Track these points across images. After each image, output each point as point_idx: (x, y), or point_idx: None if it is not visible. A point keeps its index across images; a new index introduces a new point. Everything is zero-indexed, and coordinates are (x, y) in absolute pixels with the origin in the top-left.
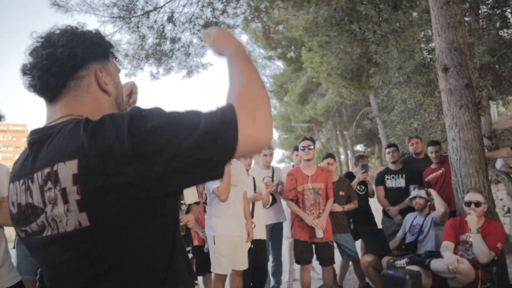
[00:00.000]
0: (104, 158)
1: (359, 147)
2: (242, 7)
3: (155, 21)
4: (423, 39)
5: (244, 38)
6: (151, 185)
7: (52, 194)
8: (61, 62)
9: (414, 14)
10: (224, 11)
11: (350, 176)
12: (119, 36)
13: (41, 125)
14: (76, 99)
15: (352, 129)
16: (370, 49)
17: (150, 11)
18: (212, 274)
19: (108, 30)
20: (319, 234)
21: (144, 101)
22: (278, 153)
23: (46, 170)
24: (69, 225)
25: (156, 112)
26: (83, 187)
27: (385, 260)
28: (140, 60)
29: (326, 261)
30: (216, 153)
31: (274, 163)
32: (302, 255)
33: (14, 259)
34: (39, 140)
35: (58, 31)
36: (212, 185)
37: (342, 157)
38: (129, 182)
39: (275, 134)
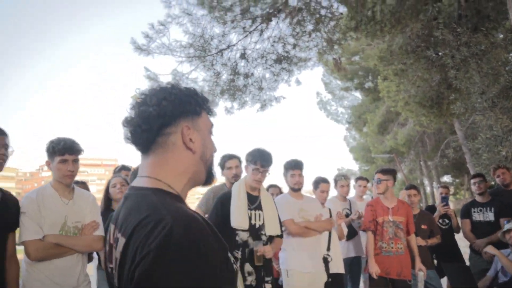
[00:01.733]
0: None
1: (446, 178)
2: (315, 40)
3: (229, 59)
4: (510, 61)
5: (319, 70)
6: None
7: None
8: (150, 120)
9: (498, 35)
10: (295, 45)
11: (431, 209)
12: (196, 74)
13: (134, 164)
14: (162, 156)
15: (437, 159)
16: (449, 74)
17: (224, 49)
18: None
19: (185, 69)
20: None
21: (219, 136)
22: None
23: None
24: None
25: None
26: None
27: None
28: (215, 95)
29: None
30: None
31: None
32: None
33: (94, 282)
34: (127, 197)
35: (155, 89)
36: (281, 216)
37: (428, 189)
38: None
39: (356, 166)
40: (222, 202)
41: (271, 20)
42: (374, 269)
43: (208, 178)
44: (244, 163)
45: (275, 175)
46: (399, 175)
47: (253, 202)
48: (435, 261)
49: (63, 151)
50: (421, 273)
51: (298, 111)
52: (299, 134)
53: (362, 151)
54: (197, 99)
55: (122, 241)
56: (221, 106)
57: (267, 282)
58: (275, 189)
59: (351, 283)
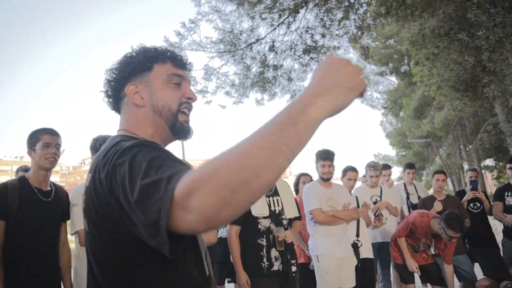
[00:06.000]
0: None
1: (488, 162)
2: (345, 28)
3: (258, 52)
4: None
5: (352, 55)
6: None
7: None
8: (108, 89)
9: None
10: (324, 35)
11: (461, 194)
12: (227, 68)
13: None
14: (124, 116)
15: (476, 143)
16: (483, 57)
17: (253, 43)
18: None
19: (216, 63)
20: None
21: (250, 127)
22: (395, 171)
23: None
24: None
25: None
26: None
27: (503, 284)
28: (245, 88)
29: (436, 280)
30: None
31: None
32: (406, 274)
33: None
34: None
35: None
36: (309, 205)
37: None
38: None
39: (393, 151)
40: None
41: (298, 12)
42: (413, 265)
43: (176, 131)
44: None
45: (306, 163)
46: (437, 160)
47: (270, 189)
48: (467, 246)
49: None
50: None
51: None
52: (333, 121)
53: (398, 136)
54: (145, 55)
55: (89, 176)
56: (251, 98)
57: (292, 264)
58: (306, 177)
59: (382, 268)
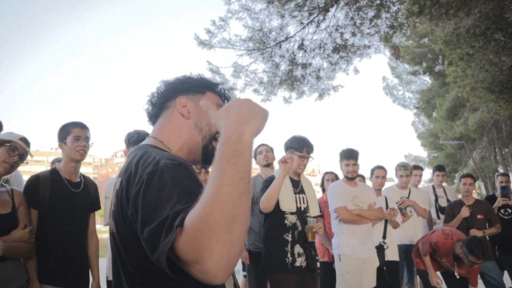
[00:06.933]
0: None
1: None
2: (376, 27)
3: (287, 50)
4: None
5: (382, 57)
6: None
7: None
8: (157, 97)
9: None
10: (354, 33)
11: (492, 199)
12: (255, 66)
13: None
14: (162, 123)
15: None
16: None
17: (282, 41)
18: None
19: (245, 61)
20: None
21: (277, 125)
22: (426, 173)
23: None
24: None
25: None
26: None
27: None
28: (274, 86)
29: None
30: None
31: (423, 184)
32: (428, 281)
33: None
34: (130, 153)
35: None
36: (333, 203)
37: None
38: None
39: (424, 153)
40: (268, 186)
41: (328, 11)
42: (435, 280)
43: (206, 152)
44: (283, 151)
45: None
46: (470, 163)
47: (296, 186)
48: (497, 253)
49: (138, 142)
50: None
51: (360, 99)
52: (362, 121)
53: (430, 137)
54: (202, 80)
55: (118, 180)
56: (279, 96)
57: (317, 261)
58: (330, 175)
59: (408, 271)
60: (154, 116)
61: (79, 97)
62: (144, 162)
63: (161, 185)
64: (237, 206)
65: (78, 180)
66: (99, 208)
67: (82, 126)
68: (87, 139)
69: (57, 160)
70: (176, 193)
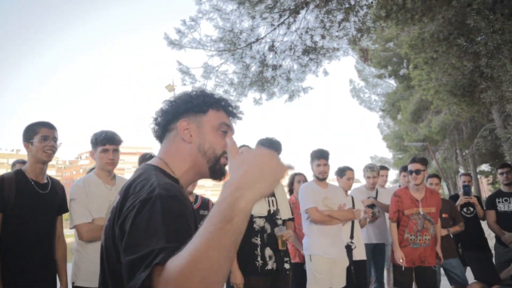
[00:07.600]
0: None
1: (484, 167)
2: (345, 30)
3: (258, 51)
4: None
5: (350, 59)
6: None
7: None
8: (160, 118)
9: None
10: (323, 36)
11: (455, 198)
12: (226, 67)
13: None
14: (167, 146)
15: (472, 148)
16: (481, 62)
17: (253, 42)
18: None
19: (216, 62)
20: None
21: (248, 125)
22: (392, 174)
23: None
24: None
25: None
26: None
27: None
28: (244, 87)
29: (430, 285)
30: None
31: (388, 184)
32: (401, 278)
33: None
34: (136, 171)
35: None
36: (304, 204)
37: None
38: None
39: (389, 154)
40: None
41: (299, 13)
42: (400, 255)
43: (214, 172)
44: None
45: (302, 163)
46: (433, 163)
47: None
48: (460, 250)
49: (105, 142)
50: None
51: (328, 101)
52: (330, 122)
53: (395, 139)
54: (204, 99)
55: (117, 198)
56: (250, 97)
57: (286, 262)
58: (300, 177)
59: (375, 270)
60: (159, 136)
61: (79, 97)
62: (142, 187)
63: (150, 215)
64: (216, 272)
65: (46, 181)
66: (66, 210)
67: (50, 126)
68: (55, 139)
69: (18, 162)
70: (163, 228)
